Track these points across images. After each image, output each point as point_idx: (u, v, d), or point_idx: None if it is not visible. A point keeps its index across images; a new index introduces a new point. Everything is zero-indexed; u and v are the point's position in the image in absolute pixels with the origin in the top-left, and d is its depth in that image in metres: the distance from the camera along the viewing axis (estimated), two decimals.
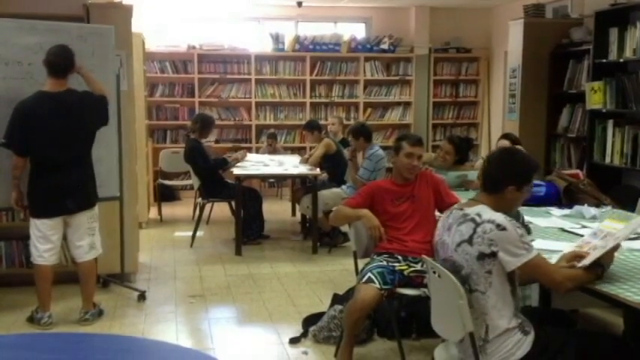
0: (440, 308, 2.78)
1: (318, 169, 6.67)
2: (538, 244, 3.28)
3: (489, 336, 2.57)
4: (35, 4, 5.15)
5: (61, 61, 4.24)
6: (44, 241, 4.34)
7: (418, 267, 3.66)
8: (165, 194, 8.59)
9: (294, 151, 9.11)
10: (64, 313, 4.63)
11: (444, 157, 5.32)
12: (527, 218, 3.67)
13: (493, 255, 2.51)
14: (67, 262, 5.07)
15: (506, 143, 5.07)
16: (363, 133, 6.31)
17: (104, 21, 5.10)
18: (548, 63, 7.03)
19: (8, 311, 4.69)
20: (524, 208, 3.95)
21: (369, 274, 3.58)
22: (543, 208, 4.21)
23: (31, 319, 4.42)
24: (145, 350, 2.20)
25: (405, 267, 3.67)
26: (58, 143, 4.24)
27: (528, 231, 3.51)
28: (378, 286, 3.51)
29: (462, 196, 4.16)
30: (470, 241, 2.56)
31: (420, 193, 3.88)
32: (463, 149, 5.41)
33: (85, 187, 4.41)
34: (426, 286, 3.58)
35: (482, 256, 2.52)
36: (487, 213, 2.59)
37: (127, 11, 5.34)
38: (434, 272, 2.74)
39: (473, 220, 2.58)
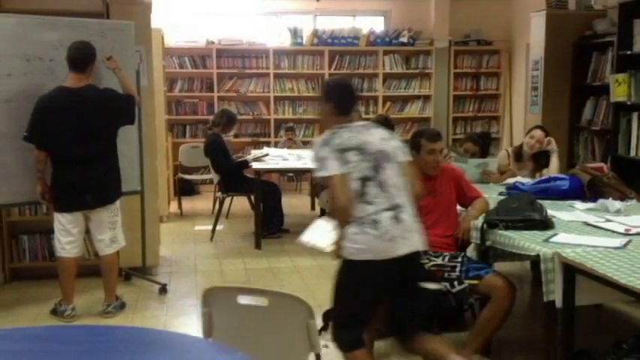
0: None
1: None
2: (562, 238, 3.25)
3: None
4: (56, 0, 5.18)
5: (80, 56, 4.27)
6: (66, 234, 4.38)
7: (439, 261, 3.64)
8: (185, 188, 8.62)
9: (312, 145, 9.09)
10: (87, 305, 4.67)
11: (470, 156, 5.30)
12: (550, 212, 3.63)
13: None
14: (90, 255, 5.12)
15: (540, 133, 5.03)
16: (387, 125, 6.28)
17: (123, 17, 5.12)
18: (571, 55, 6.94)
19: (32, 304, 4.75)
20: (548, 201, 3.91)
21: None
22: (567, 202, 4.16)
23: (55, 312, 4.47)
24: (167, 342, 2.20)
25: (426, 261, 3.64)
26: (74, 138, 4.26)
27: (551, 225, 3.48)
28: None
29: (483, 190, 4.14)
30: None
31: (442, 188, 3.85)
32: (485, 145, 5.40)
33: (106, 183, 4.43)
34: (446, 279, 3.56)
35: None
36: None
37: (146, 7, 5.36)
38: None
39: None
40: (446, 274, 3.58)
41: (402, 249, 3.02)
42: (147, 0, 5.39)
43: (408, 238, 3.05)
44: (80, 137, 4.27)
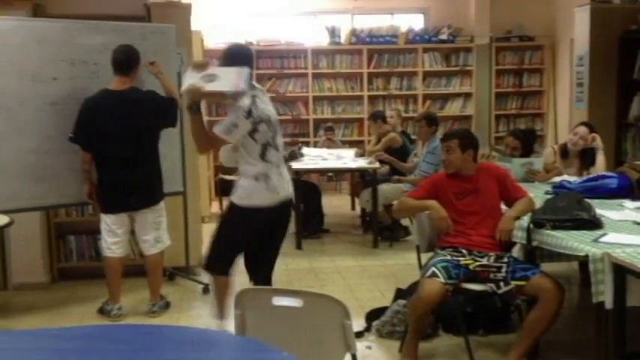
0: None
1: (377, 162, 6.62)
2: (611, 237, 3.17)
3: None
4: (99, 5, 5.29)
5: (125, 59, 4.34)
6: (111, 234, 4.46)
7: (484, 261, 3.59)
8: (225, 189, 8.62)
9: (352, 144, 9.05)
10: (133, 305, 4.74)
11: (511, 154, 5.19)
12: (599, 211, 3.54)
13: None
14: (135, 255, 5.20)
15: (584, 130, 4.92)
16: (436, 123, 6.26)
17: (164, 20, 5.20)
18: (617, 49, 6.77)
19: (79, 303, 4.84)
20: (596, 200, 3.82)
21: (433, 269, 3.52)
22: (616, 201, 4.05)
23: (102, 311, 4.55)
24: (213, 342, 2.21)
25: (471, 261, 3.60)
26: (119, 139, 4.32)
27: (600, 224, 3.40)
28: (442, 280, 3.45)
29: (529, 189, 4.06)
30: None
31: (484, 187, 3.79)
32: (529, 142, 5.27)
33: (149, 185, 4.49)
34: (492, 281, 3.51)
35: None
36: None
37: (187, 9, 5.42)
38: None
39: None
40: (491, 275, 3.53)
41: (282, 195, 3.73)
42: (187, 2, 5.44)
43: (286, 187, 3.77)
44: (124, 138, 4.33)
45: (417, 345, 3.62)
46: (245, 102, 3.55)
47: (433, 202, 3.75)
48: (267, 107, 3.69)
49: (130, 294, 4.89)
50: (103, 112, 4.31)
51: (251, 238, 3.79)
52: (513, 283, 3.46)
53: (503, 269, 3.52)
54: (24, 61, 4.42)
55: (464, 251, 3.65)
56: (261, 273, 3.89)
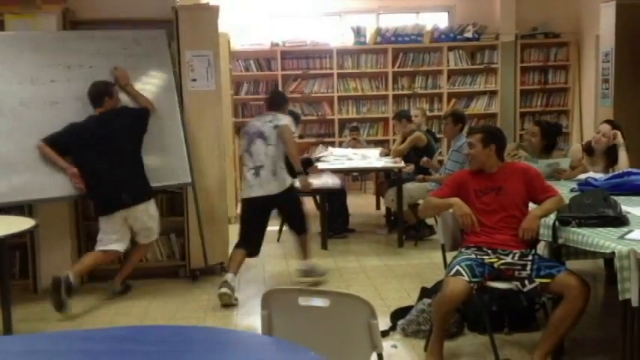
0: None
1: (402, 162, 6.63)
2: (637, 234, 3.15)
3: None
4: (127, 9, 5.38)
5: (94, 94, 4.91)
6: (110, 233, 4.89)
7: (508, 259, 3.58)
8: None
9: (377, 144, 9.07)
10: (160, 307, 4.81)
11: (529, 140, 5.12)
12: (625, 208, 3.52)
13: None
14: (163, 257, 5.29)
15: (606, 127, 4.87)
16: (463, 120, 6.24)
17: (192, 22, 5.28)
18: None
19: (109, 305, 4.92)
20: (622, 197, 3.80)
21: (458, 267, 3.52)
22: None
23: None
24: (241, 342, 2.25)
25: (495, 259, 3.60)
26: (101, 149, 4.81)
27: (626, 221, 3.38)
28: (466, 279, 3.45)
29: (560, 188, 4.04)
30: None
31: (507, 186, 3.76)
32: (551, 134, 5.15)
33: (136, 183, 4.89)
34: (517, 279, 3.51)
35: None
36: None
37: (214, 12, 5.47)
38: None
39: None
40: (516, 273, 3.53)
41: (257, 192, 4.96)
42: (214, 5, 5.50)
43: (263, 186, 4.94)
44: (105, 147, 4.81)
45: (442, 344, 3.63)
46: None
47: (456, 200, 3.76)
48: (254, 124, 5.11)
49: (160, 295, 4.98)
50: (85, 130, 4.86)
51: (251, 221, 5.12)
52: (538, 280, 3.45)
53: (528, 267, 3.51)
54: (23, 67, 4.95)
55: (488, 250, 3.66)
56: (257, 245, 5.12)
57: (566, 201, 3.66)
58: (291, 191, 5.12)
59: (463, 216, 3.71)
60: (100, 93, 4.92)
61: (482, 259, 3.60)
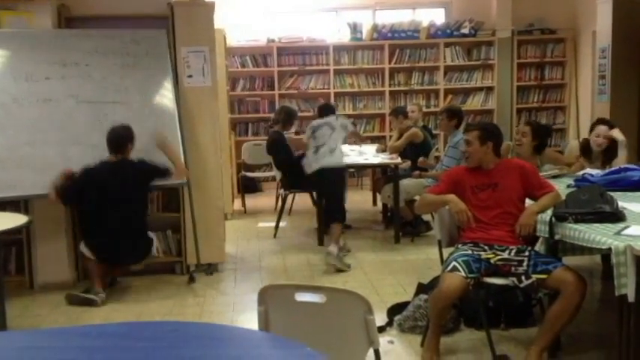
0: None
1: (398, 158, 6.62)
2: (634, 230, 3.15)
3: None
4: (121, 5, 5.37)
5: (115, 140, 4.80)
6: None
7: (505, 255, 3.59)
8: (248, 186, 8.75)
9: (373, 140, 9.07)
10: (157, 303, 4.81)
11: (519, 140, 5.11)
12: (621, 204, 3.52)
13: None
14: (159, 252, 5.28)
15: (604, 128, 4.84)
16: (459, 116, 6.22)
17: (188, 18, 5.27)
18: (639, 42, 6.70)
19: (105, 301, 4.90)
20: (619, 193, 3.79)
21: (454, 263, 3.52)
22: (638, 193, 4.01)
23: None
24: (237, 338, 2.24)
25: (492, 255, 3.60)
26: (110, 200, 4.74)
27: (623, 217, 3.38)
28: (463, 274, 3.45)
29: (557, 184, 4.04)
30: None
31: (504, 182, 3.76)
32: (541, 134, 5.14)
33: (136, 242, 4.90)
34: (514, 274, 3.51)
35: None
36: None
37: (210, 8, 5.45)
38: None
39: None
40: (513, 269, 3.53)
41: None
42: (210, 1, 5.48)
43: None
44: (111, 200, 4.74)
45: (439, 339, 3.63)
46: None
47: (452, 196, 3.76)
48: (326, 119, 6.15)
49: (156, 291, 4.97)
50: (98, 175, 4.76)
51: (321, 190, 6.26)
52: (535, 276, 3.45)
53: (525, 263, 3.51)
54: (18, 64, 4.96)
55: (484, 246, 3.66)
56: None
57: (563, 197, 3.66)
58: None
59: (459, 212, 3.71)
60: (122, 138, 4.82)
61: (479, 254, 3.60)
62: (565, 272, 3.41)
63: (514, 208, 3.73)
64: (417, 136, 6.81)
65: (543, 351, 3.45)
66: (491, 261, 3.57)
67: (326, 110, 6.36)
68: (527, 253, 3.57)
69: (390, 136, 8.25)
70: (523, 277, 3.48)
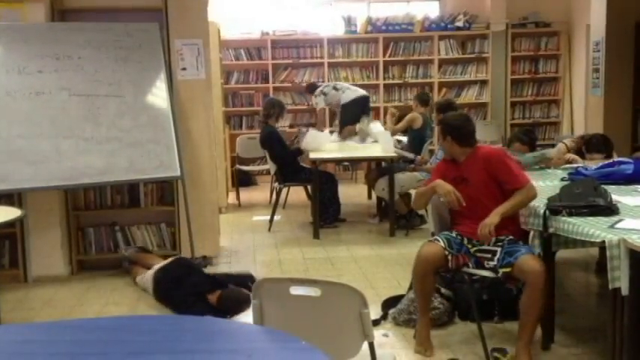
0: None
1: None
2: (627, 223, 3.16)
3: None
4: None
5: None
6: None
7: (484, 247, 3.59)
8: (242, 179, 8.73)
9: None
10: (150, 298, 4.81)
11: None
12: (615, 197, 3.53)
13: None
14: (153, 246, 5.28)
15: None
16: (451, 109, 6.22)
17: (181, 11, 5.25)
18: (633, 35, 6.72)
19: (99, 295, 4.90)
20: (612, 186, 3.81)
21: (436, 236, 3.67)
22: (631, 187, 4.03)
23: None
24: (232, 331, 2.25)
25: (471, 246, 3.64)
26: None
27: (616, 210, 3.39)
28: (442, 244, 3.54)
29: (541, 175, 4.04)
30: None
31: (472, 177, 3.68)
32: (533, 142, 5.18)
33: None
34: (488, 269, 3.53)
35: None
36: None
37: (204, 1, 5.43)
38: None
39: None
40: (485, 263, 3.54)
41: None
42: None
43: None
44: None
45: (429, 329, 3.67)
46: None
47: (438, 181, 3.70)
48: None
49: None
50: None
51: None
52: (501, 270, 3.45)
53: (496, 256, 3.50)
54: (11, 57, 4.92)
55: (466, 239, 3.67)
56: None
57: (557, 190, 3.66)
58: None
59: (446, 194, 3.62)
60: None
61: (462, 240, 3.66)
62: (524, 262, 3.37)
63: (489, 200, 3.62)
64: (416, 121, 6.86)
65: (528, 345, 3.43)
66: (471, 251, 3.62)
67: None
68: (501, 244, 3.55)
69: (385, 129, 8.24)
70: (493, 273, 3.49)
